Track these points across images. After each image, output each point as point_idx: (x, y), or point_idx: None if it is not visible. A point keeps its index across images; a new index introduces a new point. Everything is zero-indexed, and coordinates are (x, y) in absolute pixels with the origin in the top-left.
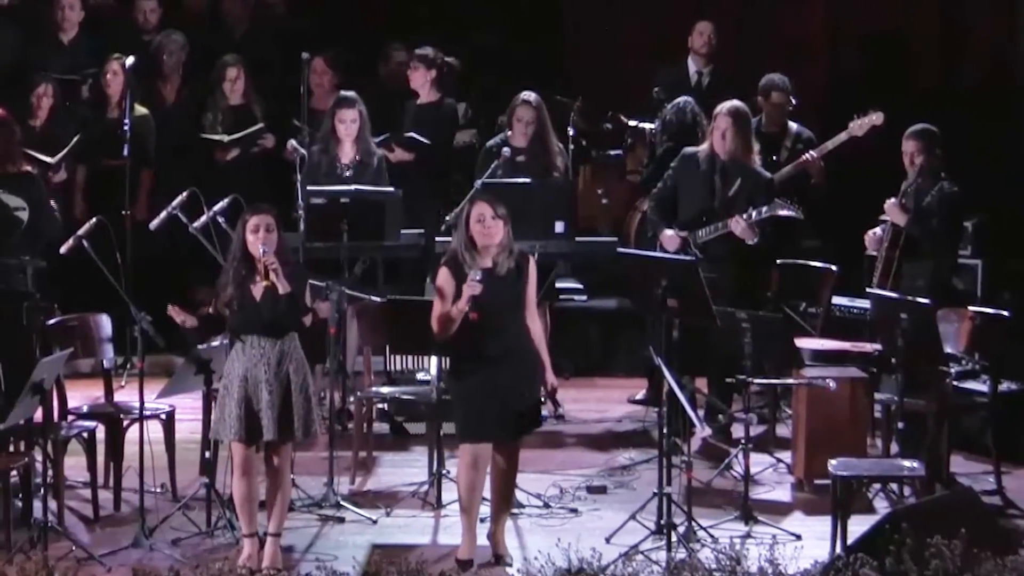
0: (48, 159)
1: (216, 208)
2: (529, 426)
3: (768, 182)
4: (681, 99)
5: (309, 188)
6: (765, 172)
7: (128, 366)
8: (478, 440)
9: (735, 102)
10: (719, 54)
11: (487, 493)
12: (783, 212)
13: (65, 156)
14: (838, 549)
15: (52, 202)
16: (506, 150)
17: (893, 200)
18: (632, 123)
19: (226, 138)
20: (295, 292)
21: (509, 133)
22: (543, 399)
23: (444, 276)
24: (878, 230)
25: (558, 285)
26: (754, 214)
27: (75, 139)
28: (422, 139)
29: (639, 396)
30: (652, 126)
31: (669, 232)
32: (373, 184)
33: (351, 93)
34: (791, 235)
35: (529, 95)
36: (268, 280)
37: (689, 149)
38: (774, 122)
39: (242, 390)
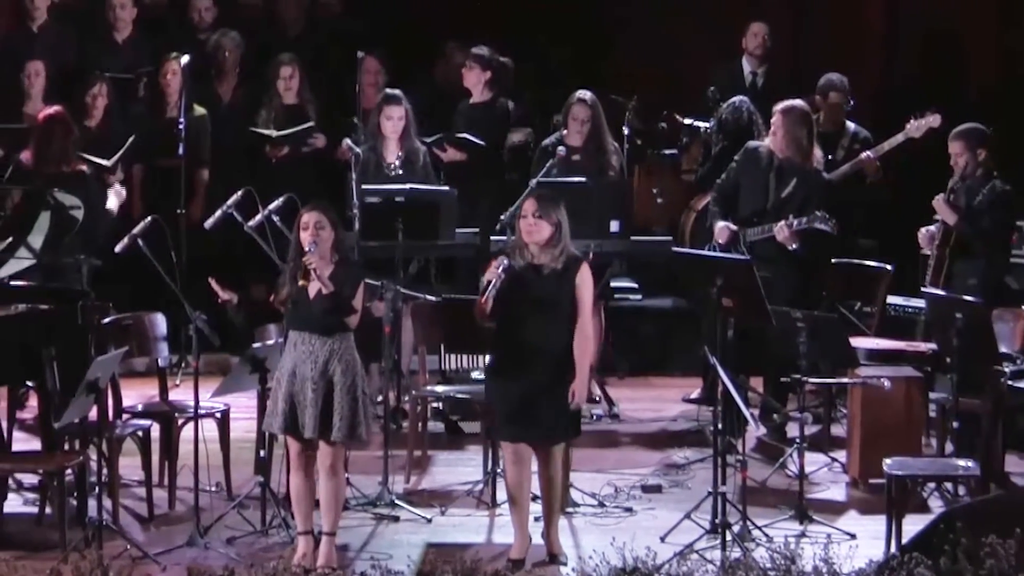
0: (104, 162)
1: (271, 207)
2: (563, 432)
3: (825, 185)
4: (737, 98)
5: (364, 187)
6: (824, 175)
7: (183, 365)
8: (507, 440)
9: (792, 101)
10: (774, 54)
11: (539, 491)
12: (820, 226)
13: (120, 158)
14: (893, 548)
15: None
16: (561, 149)
17: (941, 196)
18: (687, 122)
19: (274, 133)
20: (342, 292)
21: (565, 132)
22: (597, 399)
23: (491, 265)
24: (931, 228)
25: (613, 284)
26: (795, 223)
27: (129, 140)
28: (476, 140)
29: (694, 395)
30: (707, 125)
31: (722, 224)
32: (420, 182)
33: (396, 91)
34: (846, 234)
35: (584, 94)
36: (307, 280)
37: (753, 143)
38: (832, 121)
39: (289, 385)
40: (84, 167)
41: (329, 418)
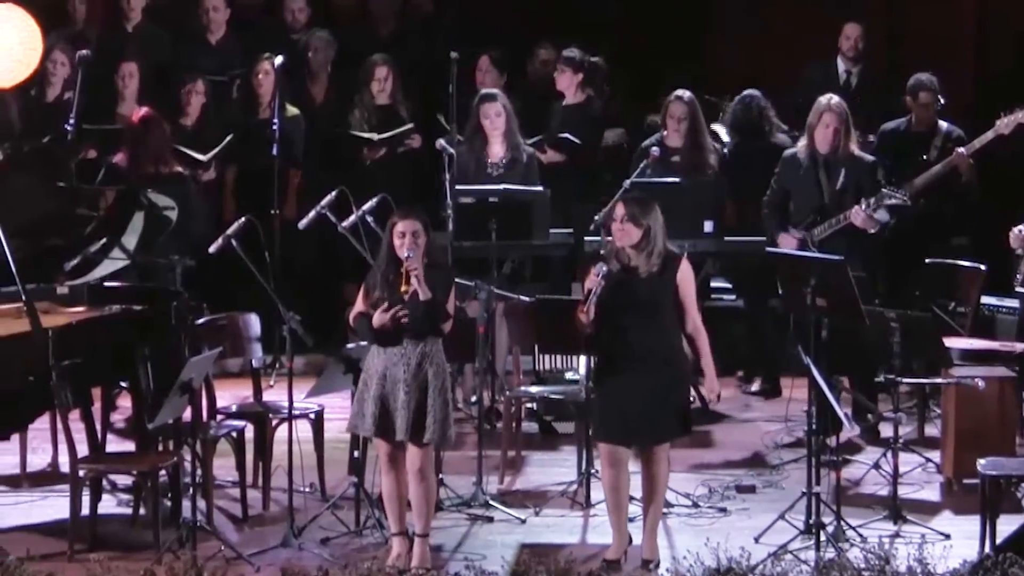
0: (200, 156)
1: (365, 207)
2: (667, 433)
3: (872, 165)
4: (747, 93)
5: (457, 187)
6: (866, 156)
7: (277, 365)
8: (606, 441)
9: (832, 96)
10: (868, 54)
11: (637, 493)
12: (891, 201)
13: (217, 154)
14: (987, 549)
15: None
16: (655, 149)
17: None
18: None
19: (376, 137)
20: (438, 298)
21: (664, 133)
22: (699, 401)
23: (590, 273)
24: (1023, 228)
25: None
26: (869, 205)
27: (227, 138)
28: (575, 140)
29: (754, 388)
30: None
31: (784, 234)
32: (524, 181)
33: (493, 89)
34: (940, 234)
35: (683, 93)
36: (409, 285)
37: (789, 151)
38: (923, 121)
39: (379, 387)
40: (180, 168)
41: (421, 420)
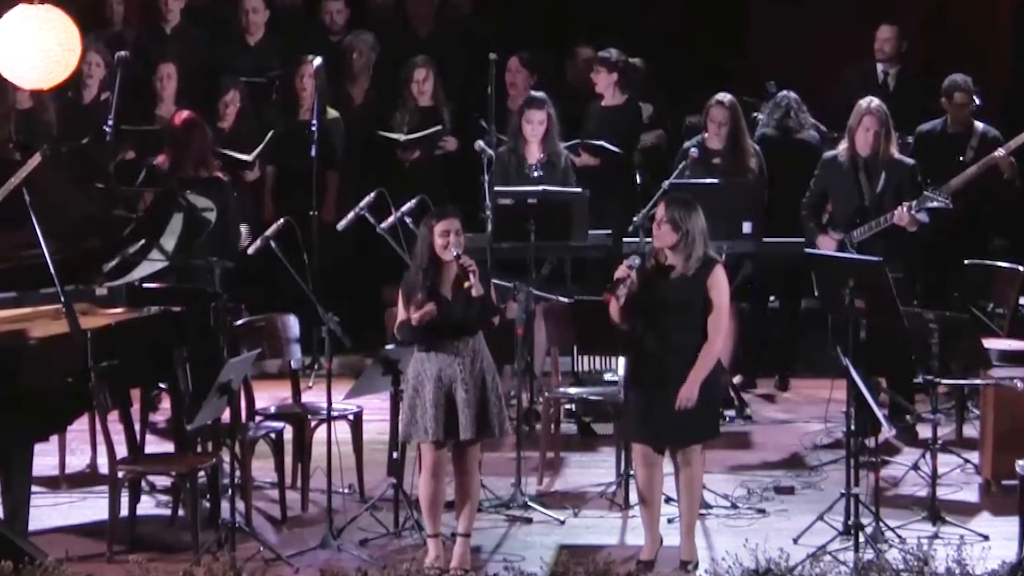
0: (244, 156)
1: (404, 209)
2: (695, 434)
3: (912, 168)
4: (780, 93)
5: (496, 188)
6: (906, 159)
7: (316, 367)
8: (635, 440)
9: (872, 98)
10: (906, 55)
11: (674, 493)
12: (933, 204)
13: (260, 153)
14: None
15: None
16: (693, 151)
17: None
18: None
19: (402, 137)
20: (489, 293)
21: (706, 135)
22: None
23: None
24: None
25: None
26: (912, 206)
27: (269, 136)
28: (612, 147)
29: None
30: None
31: (823, 236)
32: (561, 185)
33: (541, 94)
34: (979, 235)
35: (723, 96)
36: (468, 282)
37: (828, 153)
38: (959, 122)
39: (438, 391)
40: (220, 173)
41: (484, 416)
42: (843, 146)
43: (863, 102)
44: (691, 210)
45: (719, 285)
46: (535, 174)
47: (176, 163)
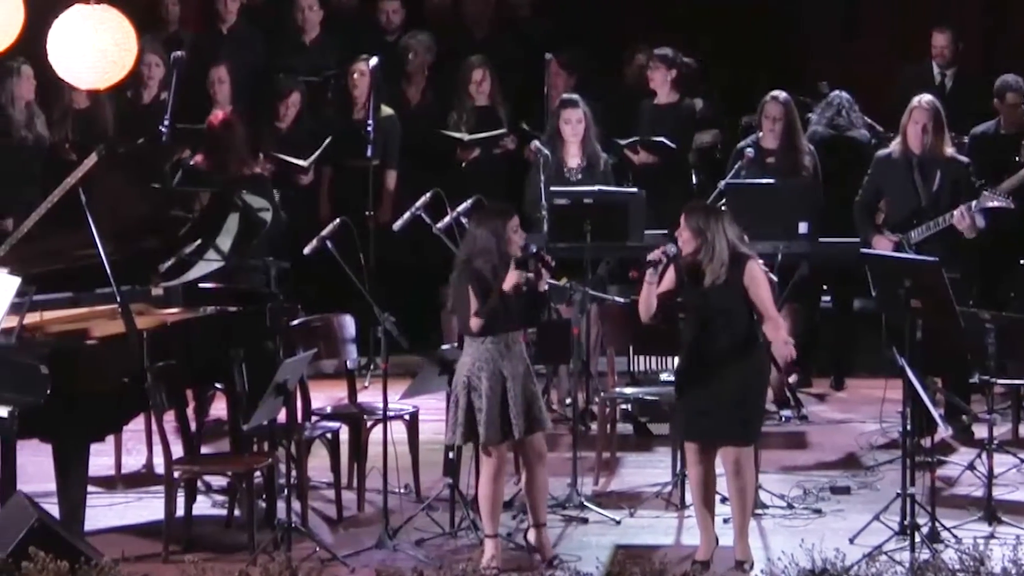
0: (300, 162)
1: (459, 209)
2: (732, 435)
3: (967, 167)
4: (833, 93)
5: (552, 188)
6: (961, 157)
7: (372, 367)
8: (684, 439)
9: (926, 96)
10: (964, 56)
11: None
12: (993, 203)
13: (316, 159)
14: None
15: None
16: (749, 151)
17: None
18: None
19: (466, 137)
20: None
21: (760, 134)
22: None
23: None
24: None
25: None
26: (972, 207)
27: (326, 142)
28: (669, 143)
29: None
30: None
31: (879, 236)
32: (601, 186)
33: (574, 95)
34: None
35: (778, 94)
36: (545, 275)
37: (882, 151)
38: (1012, 123)
39: (499, 388)
40: (259, 169)
41: (530, 412)
42: (896, 144)
43: (915, 98)
44: (711, 216)
45: (756, 278)
46: (575, 177)
47: (220, 163)
